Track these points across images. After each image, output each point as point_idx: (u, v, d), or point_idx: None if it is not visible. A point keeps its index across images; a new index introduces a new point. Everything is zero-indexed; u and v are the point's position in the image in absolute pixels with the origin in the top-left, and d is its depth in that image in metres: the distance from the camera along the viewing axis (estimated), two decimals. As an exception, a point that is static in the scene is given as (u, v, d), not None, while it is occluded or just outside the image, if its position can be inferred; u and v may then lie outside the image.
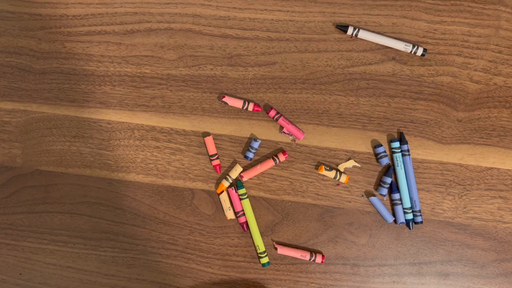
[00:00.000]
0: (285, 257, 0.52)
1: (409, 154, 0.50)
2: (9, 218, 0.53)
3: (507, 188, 0.51)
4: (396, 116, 0.51)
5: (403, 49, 0.51)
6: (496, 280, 0.51)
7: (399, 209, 0.50)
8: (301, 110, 0.52)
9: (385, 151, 0.50)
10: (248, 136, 0.52)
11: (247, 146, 0.52)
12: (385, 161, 0.50)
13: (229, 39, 0.52)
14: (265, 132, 0.52)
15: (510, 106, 0.51)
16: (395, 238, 0.51)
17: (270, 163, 0.51)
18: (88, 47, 0.53)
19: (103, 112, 0.53)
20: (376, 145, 0.51)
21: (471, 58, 0.51)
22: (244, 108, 0.51)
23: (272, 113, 0.51)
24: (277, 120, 0.51)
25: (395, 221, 0.51)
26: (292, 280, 0.52)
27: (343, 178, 0.51)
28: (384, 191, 0.50)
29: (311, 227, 0.52)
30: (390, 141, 0.51)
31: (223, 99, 0.51)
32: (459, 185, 0.51)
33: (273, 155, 0.51)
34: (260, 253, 0.51)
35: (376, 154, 0.51)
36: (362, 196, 0.51)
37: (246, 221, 0.51)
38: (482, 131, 0.51)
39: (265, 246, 0.52)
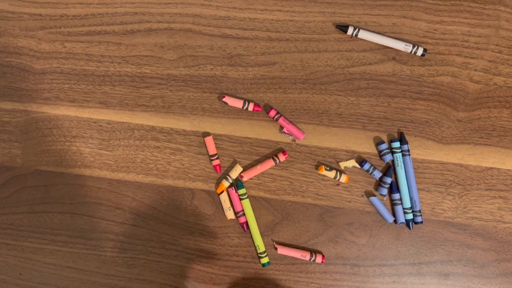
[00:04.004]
0: (285, 257, 0.52)
1: (409, 154, 0.50)
2: (9, 218, 0.53)
3: (507, 188, 0.51)
4: (396, 116, 0.51)
5: (403, 49, 0.51)
6: (496, 280, 0.51)
7: (399, 209, 0.50)
8: (301, 110, 0.52)
9: (387, 148, 0.50)
10: (248, 136, 0.52)
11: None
12: (388, 157, 0.50)
13: (229, 39, 0.52)
14: (265, 132, 0.52)
15: (510, 106, 0.51)
16: (395, 238, 0.51)
17: (270, 163, 0.51)
18: (88, 47, 0.53)
19: (103, 112, 0.53)
20: (378, 142, 0.51)
21: (471, 58, 0.51)
22: (244, 108, 0.51)
23: (272, 113, 0.51)
24: (277, 120, 0.51)
25: (395, 221, 0.51)
26: (292, 280, 0.52)
27: (343, 178, 0.51)
28: (384, 191, 0.50)
29: (311, 227, 0.52)
30: (391, 141, 0.51)
31: (223, 99, 0.51)
32: (459, 185, 0.51)
33: (273, 155, 0.51)
34: (260, 253, 0.51)
35: (379, 152, 0.51)
36: (362, 196, 0.51)
37: (246, 221, 0.51)
38: (482, 131, 0.51)
39: (265, 246, 0.52)
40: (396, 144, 0.50)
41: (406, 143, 0.50)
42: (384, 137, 0.51)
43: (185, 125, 0.52)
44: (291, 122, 0.51)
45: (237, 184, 0.51)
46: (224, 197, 0.51)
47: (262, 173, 0.52)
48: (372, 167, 0.50)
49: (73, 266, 0.53)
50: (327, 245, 0.52)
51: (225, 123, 0.52)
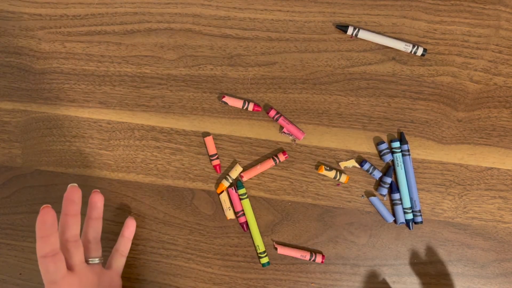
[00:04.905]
0: (285, 257, 0.52)
1: (409, 154, 0.50)
2: (9, 218, 0.53)
3: (507, 188, 0.51)
4: (396, 116, 0.51)
5: (403, 49, 0.51)
6: (496, 280, 0.51)
7: (399, 209, 0.50)
8: (301, 110, 0.52)
9: (387, 148, 0.50)
10: (248, 136, 0.52)
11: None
12: (388, 157, 0.50)
13: (229, 39, 0.52)
14: (265, 132, 0.52)
15: (510, 106, 0.51)
16: (395, 238, 0.51)
17: (270, 163, 0.51)
18: (88, 47, 0.53)
19: (103, 112, 0.53)
20: (378, 142, 0.51)
21: (471, 58, 0.51)
22: (244, 108, 0.51)
23: (272, 113, 0.51)
24: (277, 120, 0.51)
25: (395, 221, 0.51)
26: (292, 280, 0.52)
27: (343, 178, 0.51)
28: (384, 191, 0.50)
29: (311, 227, 0.52)
30: (391, 141, 0.51)
31: (223, 99, 0.51)
32: (459, 185, 0.51)
33: (273, 155, 0.51)
34: (260, 253, 0.51)
35: (379, 151, 0.51)
36: (362, 196, 0.51)
37: (246, 221, 0.51)
38: (482, 131, 0.51)
39: (265, 246, 0.52)
40: (396, 144, 0.50)
41: (406, 143, 0.50)
42: (384, 137, 0.51)
43: (185, 125, 0.52)
44: (291, 122, 0.51)
45: (237, 184, 0.51)
46: (224, 197, 0.51)
47: (262, 173, 0.52)
48: (372, 167, 0.50)
49: (73, 266, 0.53)
50: (327, 245, 0.52)
51: (225, 123, 0.52)
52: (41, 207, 0.39)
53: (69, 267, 0.42)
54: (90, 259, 0.45)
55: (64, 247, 0.42)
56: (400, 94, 0.51)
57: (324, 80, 0.51)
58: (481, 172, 0.51)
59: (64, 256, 0.41)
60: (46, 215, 0.39)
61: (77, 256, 0.43)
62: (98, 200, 0.47)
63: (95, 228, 0.47)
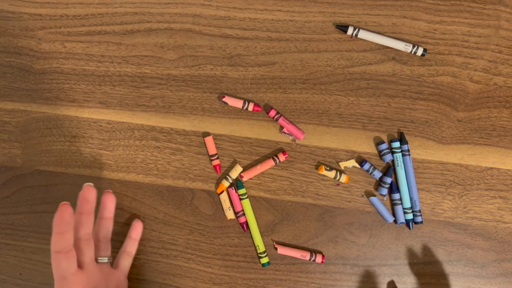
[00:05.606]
0: (285, 257, 0.52)
1: (409, 154, 0.50)
2: (9, 218, 0.53)
3: (507, 188, 0.51)
4: (396, 116, 0.51)
5: (403, 49, 0.51)
6: (496, 280, 0.51)
7: (399, 209, 0.50)
8: (301, 110, 0.52)
9: (387, 148, 0.50)
10: (248, 136, 0.52)
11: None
12: (389, 157, 0.50)
13: (229, 39, 0.52)
14: (265, 132, 0.52)
15: (510, 106, 0.51)
16: (395, 238, 0.51)
17: (270, 163, 0.51)
18: (88, 47, 0.53)
19: (103, 112, 0.53)
20: (379, 142, 0.51)
21: (471, 58, 0.51)
22: (244, 108, 0.51)
23: (272, 113, 0.51)
24: (277, 120, 0.51)
25: (395, 221, 0.51)
26: (292, 280, 0.52)
27: (343, 178, 0.51)
28: (384, 191, 0.50)
29: (311, 227, 0.52)
30: (391, 141, 0.51)
31: (223, 99, 0.51)
32: (459, 185, 0.51)
33: (273, 155, 0.51)
34: (260, 253, 0.51)
35: (379, 151, 0.51)
36: (362, 196, 0.51)
37: (246, 221, 0.51)
38: (482, 131, 0.51)
39: (265, 246, 0.52)
40: (396, 144, 0.50)
41: (406, 143, 0.50)
42: (384, 137, 0.51)
43: (185, 125, 0.52)
44: (291, 122, 0.51)
45: (237, 184, 0.51)
46: (224, 197, 0.51)
47: (262, 173, 0.52)
48: (372, 167, 0.50)
49: (73, 266, 0.53)
50: (327, 245, 0.52)
51: (225, 123, 0.52)
52: (60, 204, 0.40)
53: (79, 265, 0.43)
54: (99, 258, 0.46)
55: (76, 245, 0.43)
56: (400, 94, 0.51)
57: (324, 80, 0.51)
58: (481, 172, 0.51)
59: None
60: (64, 212, 0.40)
61: (88, 254, 0.44)
62: (110, 201, 0.48)
63: (106, 227, 0.48)
